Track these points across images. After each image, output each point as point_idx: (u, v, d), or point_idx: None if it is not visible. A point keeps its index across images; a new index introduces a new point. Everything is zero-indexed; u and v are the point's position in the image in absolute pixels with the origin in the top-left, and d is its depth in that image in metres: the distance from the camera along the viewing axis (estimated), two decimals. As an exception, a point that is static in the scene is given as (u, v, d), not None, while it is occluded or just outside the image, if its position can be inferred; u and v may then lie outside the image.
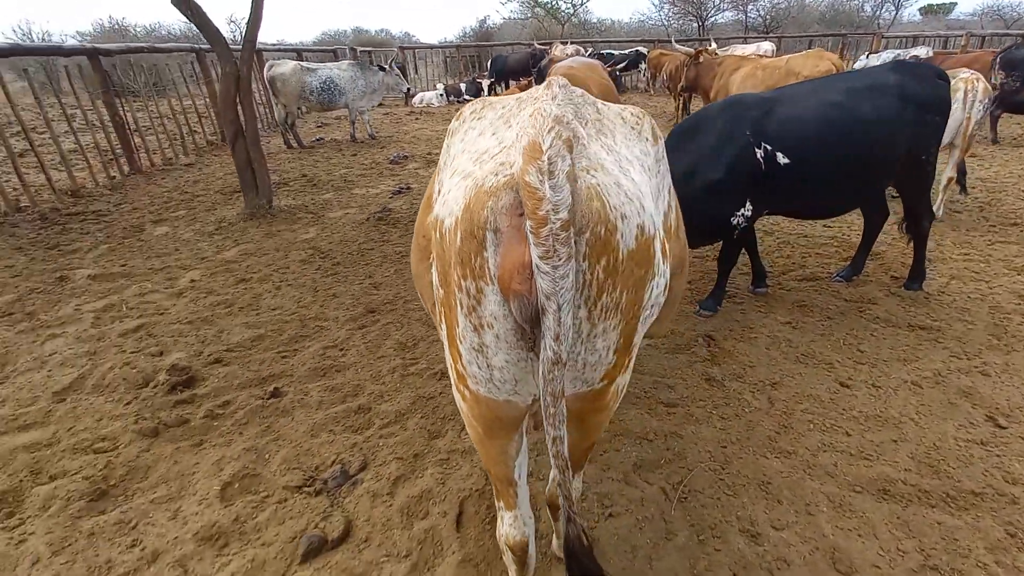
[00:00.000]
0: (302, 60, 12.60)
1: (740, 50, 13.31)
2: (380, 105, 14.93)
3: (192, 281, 4.19)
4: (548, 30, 25.38)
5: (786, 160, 2.85)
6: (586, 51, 15.25)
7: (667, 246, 1.27)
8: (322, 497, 2.19)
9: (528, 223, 0.93)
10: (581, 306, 1.04)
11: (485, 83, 13.68)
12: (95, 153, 6.96)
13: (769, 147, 2.85)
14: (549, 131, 1.00)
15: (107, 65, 7.27)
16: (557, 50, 9.63)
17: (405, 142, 9.67)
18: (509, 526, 1.38)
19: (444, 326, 1.19)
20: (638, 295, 1.12)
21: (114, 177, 7.01)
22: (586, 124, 1.19)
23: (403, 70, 15.05)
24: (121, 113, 7.16)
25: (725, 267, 3.41)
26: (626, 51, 15.78)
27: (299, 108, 9.22)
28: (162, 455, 2.43)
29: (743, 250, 3.54)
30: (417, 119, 12.74)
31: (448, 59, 18.67)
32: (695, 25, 25.70)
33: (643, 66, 15.22)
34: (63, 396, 2.84)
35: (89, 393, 2.87)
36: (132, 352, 3.22)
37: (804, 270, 4.01)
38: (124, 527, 2.06)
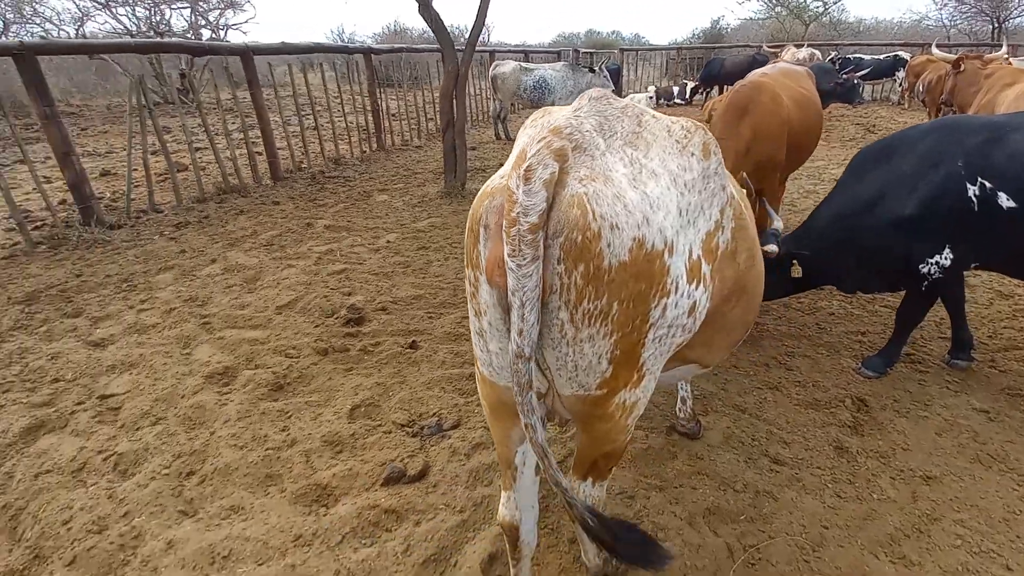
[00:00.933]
0: (528, 61, 13.49)
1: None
2: (591, 105, 15.18)
3: (388, 242, 4.96)
4: (789, 31, 22.38)
5: (1012, 203, 2.15)
6: (826, 56, 13.14)
7: (703, 267, 1.19)
8: (416, 439, 2.47)
9: (503, 222, 0.97)
10: (562, 308, 1.05)
11: (689, 86, 12.84)
12: (356, 132, 8.59)
13: (988, 184, 2.18)
14: (539, 141, 1.03)
15: (376, 62, 8.85)
16: (787, 54, 8.51)
17: (601, 142, 9.72)
18: (503, 506, 1.43)
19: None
20: (638, 310, 1.08)
21: (365, 151, 8.57)
22: (611, 136, 1.16)
23: (616, 73, 15.01)
24: (378, 101, 8.67)
25: (905, 323, 2.75)
26: (881, 56, 13.14)
27: (512, 104, 9.95)
28: (323, 371, 3.01)
29: (940, 307, 2.79)
30: (621, 120, 12.63)
31: (669, 61, 17.95)
32: (989, 27, 19.86)
33: (900, 74, 12.53)
34: (281, 311, 3.69)
35: (297, 312, 3.67)
36: (331, 289, 4.00)
37: (1042, 351, 2.98)
38: (282, 415, 2.64)
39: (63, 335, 3.35)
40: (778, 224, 2.77)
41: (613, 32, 36.33)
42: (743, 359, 3.02)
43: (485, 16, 5.46)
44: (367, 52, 8.46)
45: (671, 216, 1.12)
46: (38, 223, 5.21)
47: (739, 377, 2.88)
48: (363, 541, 1.94)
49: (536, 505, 1.47)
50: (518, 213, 0.96)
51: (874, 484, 2.16)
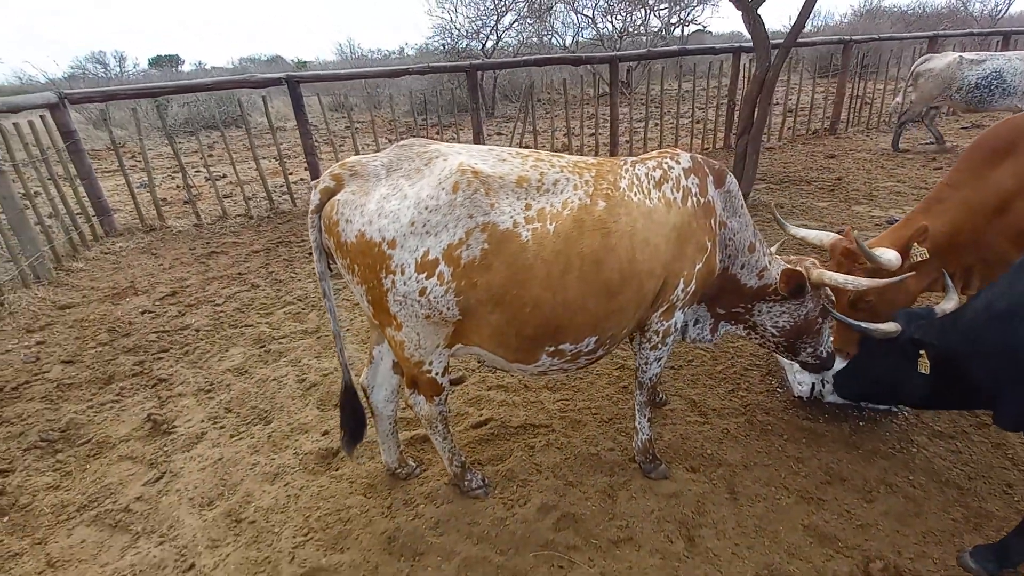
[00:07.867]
0: (1005, 45, 9.54)
1: None
2: None
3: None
4: None
5: None
6: None
7: (441, 266, 1.63)
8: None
9: None
10: (338, 259, 1.75)
11: None
12: (711, 130, 8.63)
13: None
14: (329, 170, 1.75)
15: (745, 60, 8.43)
16: None
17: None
18: (362, 375, 2.20)
19: None
20: (372, 275, 1.67)
21: (710, 147, 8.58)
22: (394, 171, 1.71)
23: None
24: (735, 100, 8.33)
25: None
26: None
27: (928, 107, 7.37)
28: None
29: None
30: None
31: None
32: None
33: None
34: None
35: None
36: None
37: None
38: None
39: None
40: (947, 304, 1.95)
41: None
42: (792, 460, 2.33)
43: (804, 22, 4.72)
44: (736, 52, 8.20)
45: (397, 224, 1.61)
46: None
47: (763, 463, 2.31)
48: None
49: (389, 390, 2.17)
50: (309, 200, 1.75)
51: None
